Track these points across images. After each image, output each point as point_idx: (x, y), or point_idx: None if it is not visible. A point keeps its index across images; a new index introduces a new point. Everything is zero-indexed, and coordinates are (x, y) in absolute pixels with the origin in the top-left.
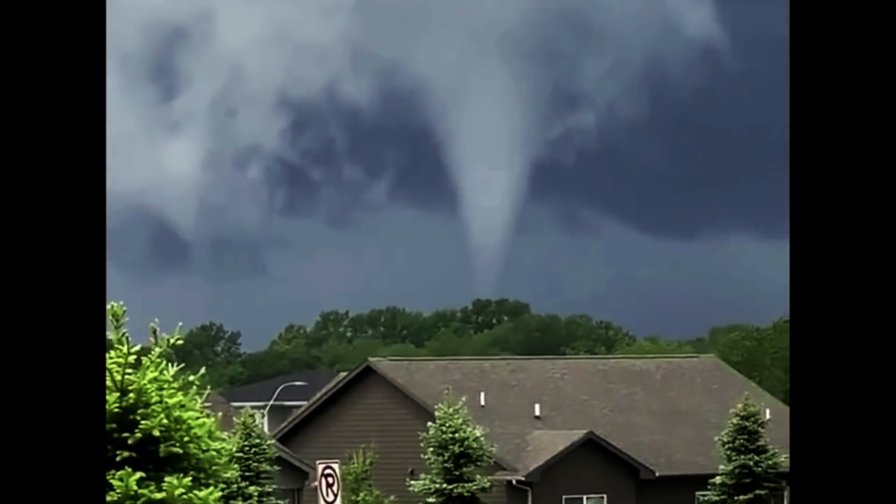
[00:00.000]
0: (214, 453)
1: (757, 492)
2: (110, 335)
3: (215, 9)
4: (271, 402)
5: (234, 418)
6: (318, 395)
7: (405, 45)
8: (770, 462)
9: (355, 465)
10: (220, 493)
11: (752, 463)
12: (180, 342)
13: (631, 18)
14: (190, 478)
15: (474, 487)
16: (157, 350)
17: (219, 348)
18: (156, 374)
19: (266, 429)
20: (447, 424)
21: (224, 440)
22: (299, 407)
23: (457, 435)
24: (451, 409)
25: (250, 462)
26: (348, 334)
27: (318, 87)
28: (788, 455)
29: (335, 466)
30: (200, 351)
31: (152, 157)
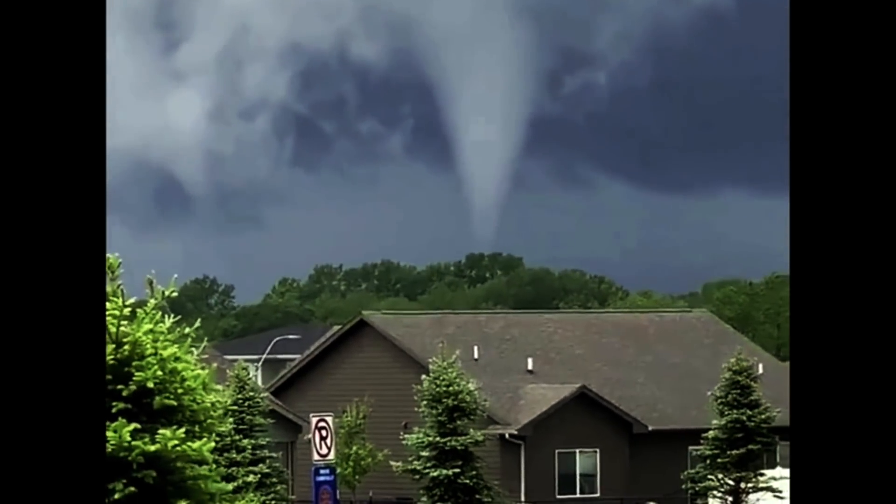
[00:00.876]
0: (209, 405)
1: (749, 446)
2: (106, 287)
3: None
4: (265, 356)
5: (228, 371)
6: (312, 348)
7: (413, 1)
8: (763, 417)
9: (349, 418)
10: (214, 445)
11: (744, 418)
12: (175, 295)
13: None
14: (184, 430)
15: (468, 441)
16: (153, 302)
17: (212, 301)
18: (151, 326)
19: (259, 382)
20: (441, 378)
21: (218, 392)
22: (293, 360)
23: (450, 388)
24: (444, 363)
25: (244, 415)
26: (342, 288)
27: (323, 41)
28: (781, 410)
29: (329, 419)
30: (194, 304)
31: (156, 108)
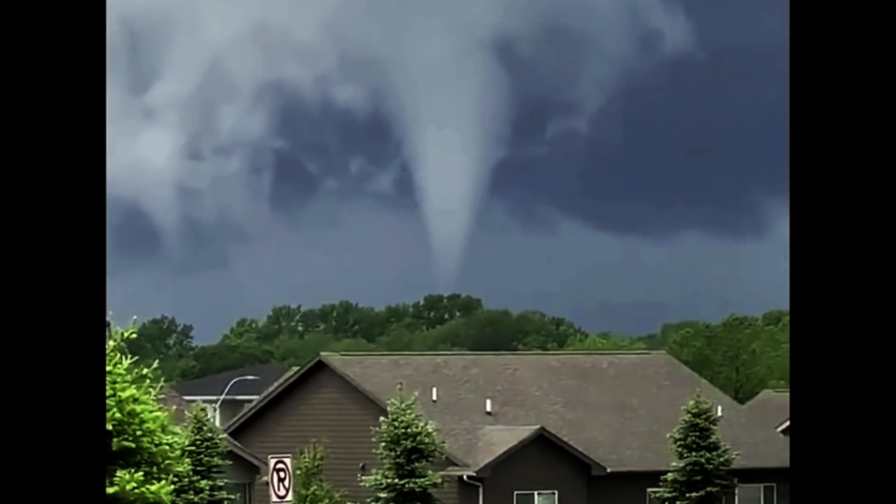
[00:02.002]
0: (167, 447)
1: (708, 489)
2: None
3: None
4: (223, 397)
5: (186, 412)
6: (270, 389)
7: (381, 41)
8: (722, 459)
9: (306, 459)
10: (172, 488)
11: (703, 460)
12: (134, 336)
13: (601, 24)
14: (142, 473)
15: (426, 483)
16: (111, 344)
17: (170, 341)
18: (109, 367)
19: (218, 423)
20: (399, 419)
21: (177, 434)
22: (251, 401)
23: (409, 430)
24: (403, 404)
25: (202, 456)
26: (300, 329)
27: (293, 82)
28: (739, 453)
29: (287, 461)
30: (152, 344)
31: (126, 145)
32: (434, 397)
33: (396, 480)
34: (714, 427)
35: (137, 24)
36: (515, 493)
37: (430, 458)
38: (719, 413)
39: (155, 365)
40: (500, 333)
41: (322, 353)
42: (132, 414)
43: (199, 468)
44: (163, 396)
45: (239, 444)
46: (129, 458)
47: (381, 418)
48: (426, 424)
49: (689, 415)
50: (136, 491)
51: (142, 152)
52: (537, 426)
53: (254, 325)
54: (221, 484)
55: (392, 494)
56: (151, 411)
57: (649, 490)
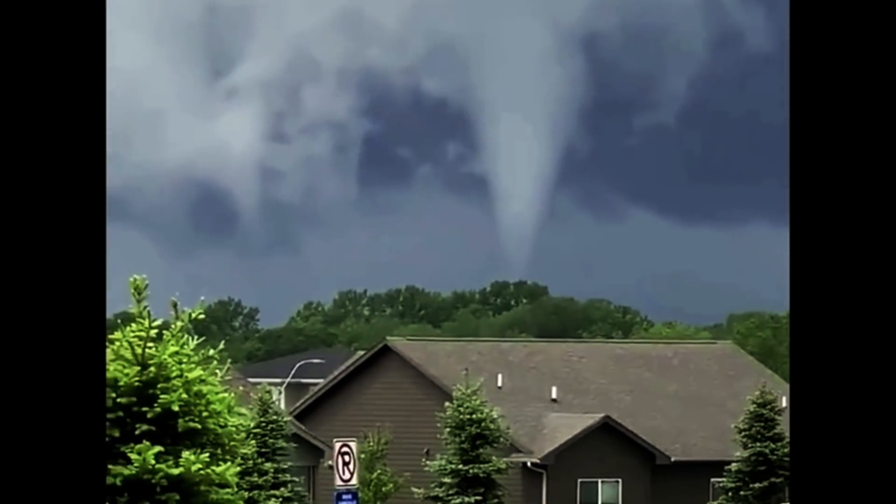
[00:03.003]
0: (233, 429)
1: (772, 479)
2: (132, 308)
3: None
4: (288, 380)
5: (252, 394)
6: (336, 373)
7: (463, 27)
8: (786, 450)
9: (371, 443)
10: (238, 469)
11: (767, 450)
12: (201, 317)
13: (682, 21)
14: (207, 454)
15: (490, 468)
16: (179, 324)
17: (237, 324)
18: (176, 348)
19: (283, 405)
20: (464, 405)
21: (243, 415)
22: (316, 384)
23: (474, 416)
24: (468, 390)
25: (266, 438)
26: (366, 313)
27: (370, 65)
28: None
29: (352, 444)
30: (219, 326)
31: (207, 128)
32: (499, 384)
33: (460, 466)
34: (778, 418)
35: (222, 7)
36: (579, 480)
37: (495, 444)
38: (784, 404)
39: (221, 346)
40: (565, 321)
41: (388, 338)
42: (199, 395)
43: (263, 450)
44: (229, 378)
45: (304, 428)
46: (195, 439)
47: (446, 403)
48: (491, 410)
49: (754, 405)
50: (202, 472)
51: (222, 134)
52: (602, 414)
53: (320, 309)
54: (285, 466)
55: (456, 479)
56: (218, 392)
57: (713, 480)
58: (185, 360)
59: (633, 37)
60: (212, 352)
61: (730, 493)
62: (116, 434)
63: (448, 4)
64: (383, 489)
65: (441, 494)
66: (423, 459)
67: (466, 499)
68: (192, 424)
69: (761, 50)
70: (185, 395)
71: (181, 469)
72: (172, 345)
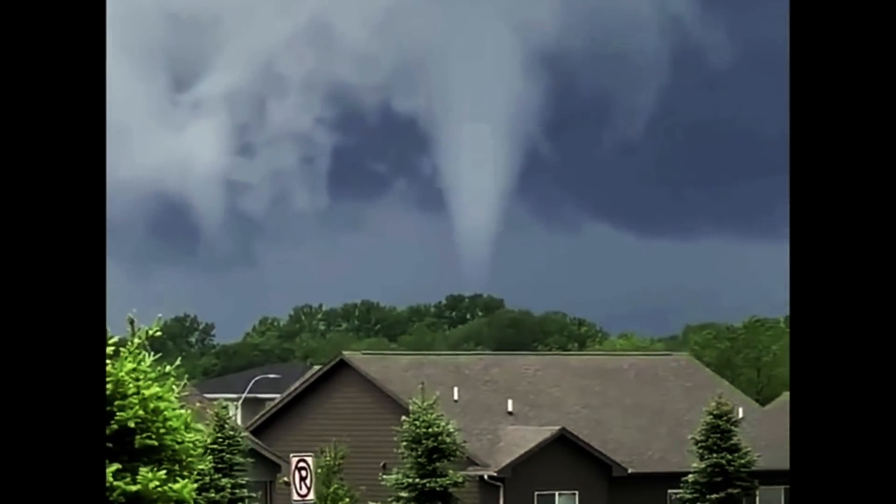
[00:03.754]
0: (190, 445)
1: (729, 490)
2: None
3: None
4: (244, 395)
5: (208, 410)
6: (292, 388)
7: (419, 39)
8: (742, 461)
9: (328, 458)
10: (196, 486)
11: (724, 461)
12: (158, 334)
13: (631, 20)
14: (164, 471)
15: (447, 482)
16: (136, 341)
17: (193, 339)
18: (133, 365)
19: (239, 421)
20: (421, 419)
21: (200, 431)
22: (272, 399)
23: (430, 430)
24: (424, 404)
25: (223, 454)
26: (321, 327)
27: (326, 79)
28: (761, 454)
29: (309, 459)
30: (174, 342)
31: (169, 141)
32: (455, 397)
33: (417, 480)
34: (735, 429)
35: (185, 20)
36: (536, 493)
37: (452, 458)
38: (740, 415)
39: (178, 363)
40: (521, 334)
41: (344, 352)
42: (156, 411)
43: (220, 466)
44: (185, 394)
45: (260, 443)
46: (152, 456)
47: (403, 417)
48: (447, 424)
49: (711, 416)
50: (160, 489)
51: (184, 147)
52: (558, 427)
53: (276, 324)
54: (243, 482)
55: (413, 494)
56: (174, 409)
57: (670, 491)
58: (141, 377)
59: (594, 52)
60: (168, 368)
61: None
62: None
63: (414, 18)
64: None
65: None
66: (380, 473)
67: None
68: (149, 441)
69: (721, 65)
70: (141, 412)
71: (139, 486)
72: (129, 362)
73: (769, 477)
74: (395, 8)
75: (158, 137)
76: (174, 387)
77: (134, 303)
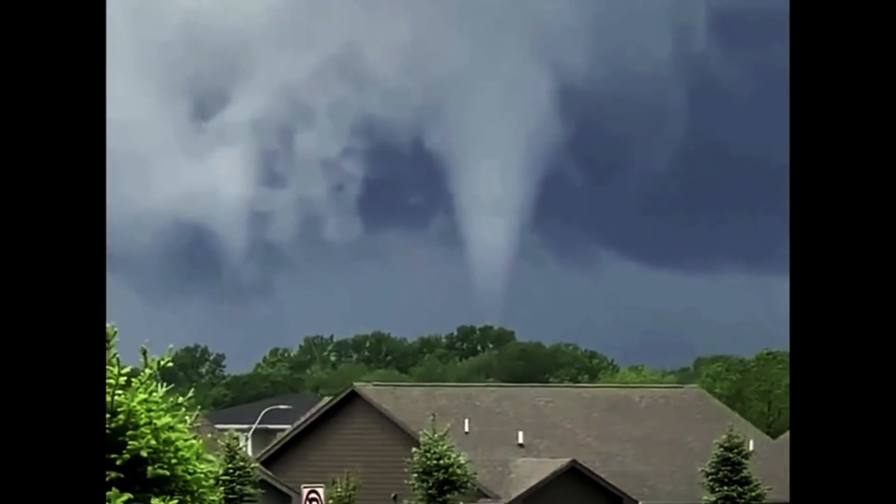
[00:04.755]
0: (201, 475)
1: None
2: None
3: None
4: (255, 426)
5: (218, 440)
6: (303, 418)
7: (440, 74)
8: (753, 494)
9: (339, 489)
10: None
11: (735, 494)
12: (170, 364)
13: (650, 56)
14: (176, 501)
15: None
16: (147, 372)
17: (203, 370)
18: (145, 395)
19: (250, 452)
20: (432, 451)
21: (211, 462)
22: (283, 430)
23: (441, 461)
24: (435, 436)
25: (234, 485)
26: (332, 359)
27: (348, 111)
28: (771, 487)
29: (320, 490)
30: (185, 372)
31: (190, 170)
32: (466, 429)
33: None
34: (746, 461)
35: (209, 48)
36: None
37: (462, 490)
38: (751, 448)
39: (190, 394)
40: (532, 366)
41: (355, 384)
42: (167, 442)
43: (231, 497)
44: (197, 425)
45: (271, 474)
46: (164, 486)
47: (414, 449)
48: (458, 456)
49: (721, 449)
50: None
51: (203, 178)
52: (569, 459)
53: (286, 355)
54: None
55: None
56: (186, 440)
57: None
58: (153, 407)
59: (614, 87)
60: (181, 399)
61: None
62: None
63: (434, 52)
64: None
65: None
66: None
67: None
68: (160, 471)
69: (734, 99)
70: (153, 442)
71: None
72: (141, 392)
73: None
74: (422, 40)
75: (176, 166)
76: (187, 417)
77: (151, 332)
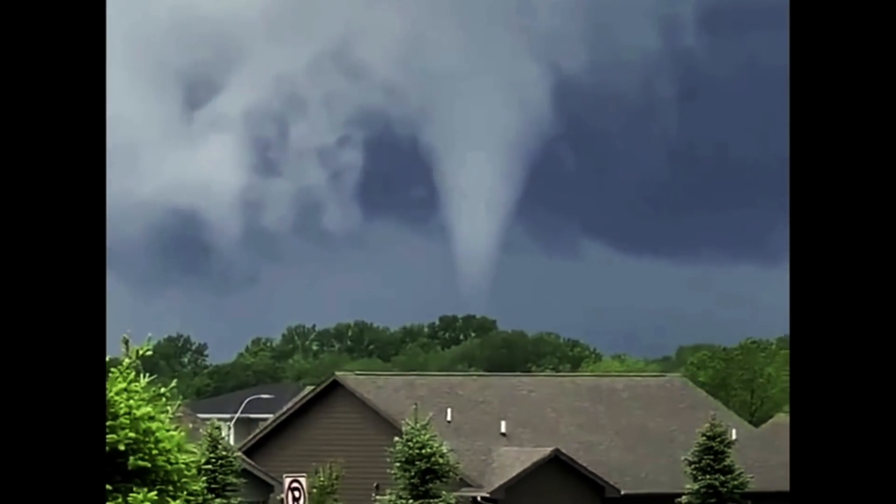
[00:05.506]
0: (183, 466)
1: None
2: None
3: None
4: (237, 415)
5: (201, 430)
6: (285, 408)
7: (427, 62)
8: (736, 482)
9: (321, 478)
10: None
11: (717, 483)
12: (149, 354)
13: (627, 35)
14: (157, 491)
15: (440, 503)
16: (127, 361)
17: (185, 359)
18: (125, 385)
19: (232, 441)
20: (414, 440)
21: (193, 453)
22: (265, 420)
23: (423, 451)
24: (417, 425)
25: (216, 474)
26: (314, 348)
27: (333, 98)
28: (754, 476)
29: (302, 480)
30: (167, 362)
31: (174, 160)
32: (448, 418)
33: (410, 501)
34: (728, 450)
35: (201, 37)
36: None
37: (445, 479)
38: (734, 436)
39: (173, 384)
40: (514, 355)
41: (337, 373)
42: (148, 432)
43: (213, 486)
44: (179, 415)
45: (253, 463)
46: (145, 477)
47: (396, 438)
48: (441, 445)
49: (704, 437)
50: None
51: (188, 168)
52: (552, 448)
53: (268, 344)
54: (236, 502)
55: None
56: (167, 430)
57: None
58: (134, 397)
59: (598, 79)
60: (163, 389)
61: None
62: None
63: (423, 45)
64: None
65: None
66: (374, 494)
67: None
68: (141, 462)
69: (720, 93)
70: (133, 434)
71: None
72: (120, 382)
73: (762, 499)
74: (411, 32)
75: (170, 155)
76: (168, 407)
77: (138, 322)
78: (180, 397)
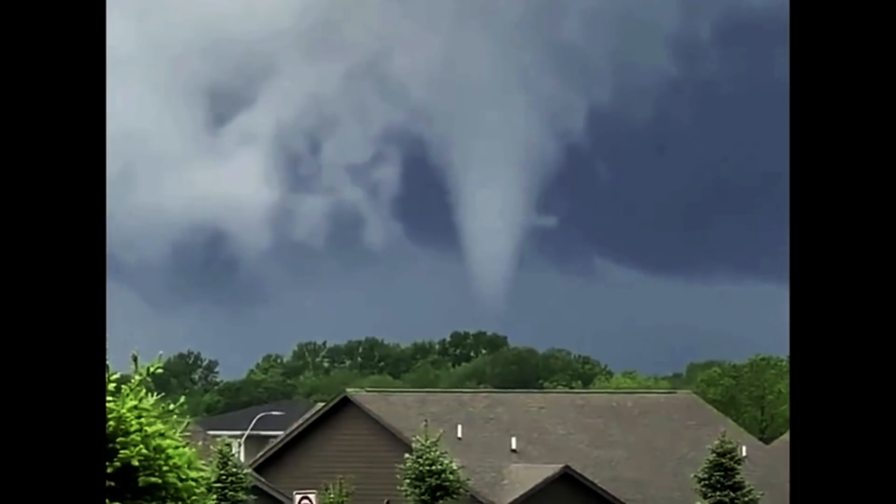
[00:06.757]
0: (193, 483)
1: None
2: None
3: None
4: (248, 432)
5: (211, 447)
6: (295, 425)
7: (453, 82)
8: (746, 499)
9: (332, 495)
10: None
11: (727, 500)
12: (160, 371)
13: (648, 55)
14: None
15: None
16: (137, 378)
17: (196, 376)
18: (135, 402)
19: (242, 458)
20: (424, 457)
21: (203, 470)
22: (276, 437)
23: (434, 467)
24: (428, 442)
25: (227, 491)
26: (325, 365)
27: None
28: (764, 493)
29: (312, 496)
30: (178, 379)
31: (195, 179)
32: (459, 434)
33: None
34: (739, 467)
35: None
36: None
37: (455, 496)
38: (744, 453)
39: (182, 401)
40: (525, 371)
41: (347, 389)
42: (158, 449)
43: (223, 503)
44: (188, 433)
45: (264, 480)
46: (155, 494)
47: (406, 455)
48: (451, 462)
49: (714, 454)
50: None
51: (204, 186)
52: (562, 465)
53: (279, 361)
54: None
55: None
56: (178, 447)
57: None
58: (144, 414)
59: (614, 98)
60: (172, 406)
61: None
62: None
63: (451, 62)
64: None
65: None
66: None
67: None
68: (152, 479)
69: (729, 106)
70: (144, 451)
71: None
72: (131, 399)
73: None
74: (446, 52)
75: (193, 172)
76: (177, 425)
77: (154, 338)
78: (188, 415)
